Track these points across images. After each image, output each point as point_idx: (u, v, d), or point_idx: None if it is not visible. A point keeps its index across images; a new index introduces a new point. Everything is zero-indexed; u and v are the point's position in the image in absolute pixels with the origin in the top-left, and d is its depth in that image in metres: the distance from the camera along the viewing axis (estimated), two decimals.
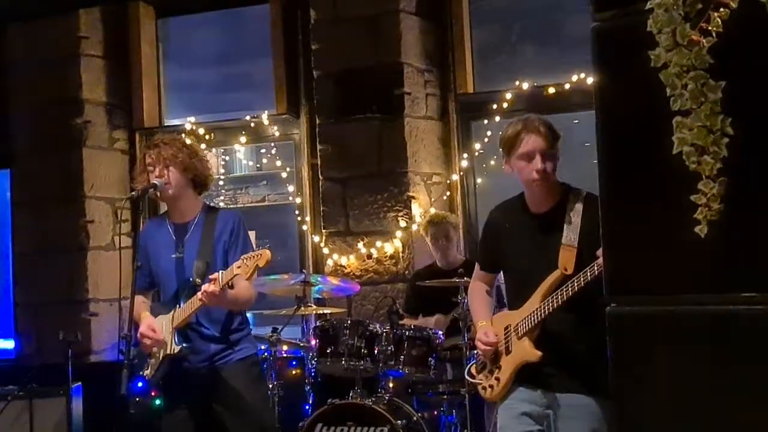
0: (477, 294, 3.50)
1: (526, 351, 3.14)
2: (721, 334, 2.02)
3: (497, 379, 3.24)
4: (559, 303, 3.03)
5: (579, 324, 3.05)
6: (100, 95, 6.54)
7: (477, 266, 3.54)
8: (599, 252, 2.87)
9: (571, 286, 3.00)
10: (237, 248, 3.74)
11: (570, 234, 3.08)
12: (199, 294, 3.52)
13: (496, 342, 3.24)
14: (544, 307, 3.08)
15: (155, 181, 3.71)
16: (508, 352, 3.22)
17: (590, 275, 2.92)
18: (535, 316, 3.10)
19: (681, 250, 2.03)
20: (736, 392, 2.01)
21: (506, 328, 3.24)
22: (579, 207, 3.11)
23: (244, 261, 3.45)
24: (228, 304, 3.67)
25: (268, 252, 3.45)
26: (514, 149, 3.18)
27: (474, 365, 3.44)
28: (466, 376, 3.50)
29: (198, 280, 3.63)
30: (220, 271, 3.51)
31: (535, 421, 3.15)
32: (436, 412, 5.02)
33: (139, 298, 3.75)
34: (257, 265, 3.43)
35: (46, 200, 6.40)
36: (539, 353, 3.10)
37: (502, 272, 3.47)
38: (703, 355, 2.06)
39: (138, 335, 3.64)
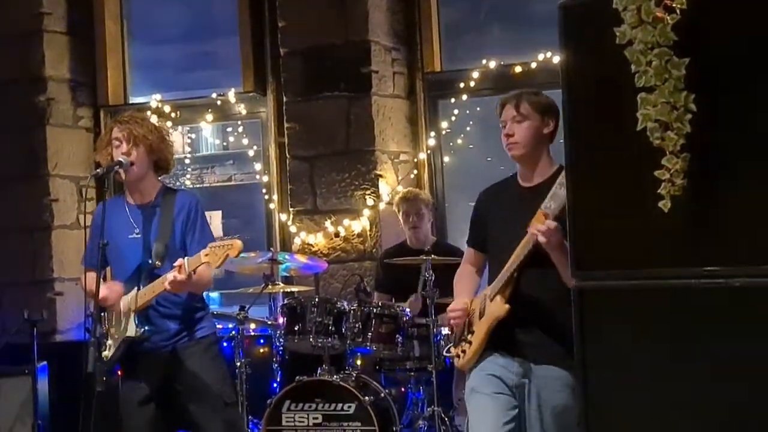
0: (463, 276, 3.48)
1: (496, 307, 3.12)
2: (683, 307, 2.06)
3: (469, 343, 3.23)
4: (525, 256, 3.02)
5: (557, 295, 3.02)
6: (63, 72, 6.43)
7: (467, 247, 3.53)
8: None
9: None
10: (194, 232, 3.73)
11: (550, 202, 3.03)
12: (166, 284, 3.51)
13: (463, 309, 3.25)
14: (512, 263, 3.07)
15: (120, 159, 3.67)
16: (481, 316, 3.21)
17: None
18: (505, 274, 3.10)
19: (644, 225, 2.06)
20: (698, 365, 2.05)
21: (482, 300, 3.25)
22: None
23: (213, 249, 3.44)
24: (190, 289, 3.67)
25: (239, 242, 3.44)
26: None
27: (452, 345, 3.43)
28: (445, 353, 3.50)
29: (158, 263, 3.62)
30: (186, 258, 3.51)
31: (507, 386, 3.14)
32: (403, 389, 5.06)
33: (92, 275, 3.70)
34: (227, 254, 3.42)
35: (9, 179, 6.30)
36: (507, 306, 3.08)
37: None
38: (665, 329, 2.10)
39: (100, 298, 3.59)
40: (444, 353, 3.52)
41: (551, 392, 3.09)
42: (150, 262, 3.66)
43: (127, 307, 3.66)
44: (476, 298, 3.34)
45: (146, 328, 3.65)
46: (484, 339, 3.18)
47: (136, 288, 3.66)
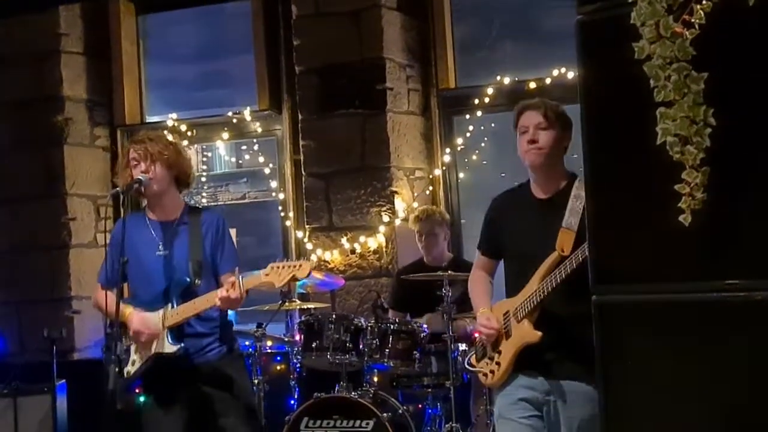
0: (477, 282, 3.48)
1: (525, 332, 3.14)
2: (704, 321, 2.06)
3: (498, 363, 3.24)
4: (556, 283, 3.04)
5: (580, 309, 3.04)
6: (80, 92, 6.51)
7: (478, 253, 3.52)
8: None
9: (568, 266, 3.01)
10: (223, 249, 3.77)
11: (571, 218, 3.08)
12: (217, 300, 3.53)
13: (497, 327, 3.24)
14: (542, 289, 3.08)
15: (140, 177, 3.69)
16: (507, 336, 3.22)
17: (584, 255, 2.93)
18: (534, 298, 3.11)
19: (665, 239, 2.06)
20: (720, 379, 2.04)
21: (505, 314, 3.25)
22: (583, 194, 3.08)
23: (276, 269, 3.47)
24: (237, 306, 3.69)
25: (308, 263, 3.50)
26: (516, 127, 3.26)
27: (474, 355, 3.44)
28: (467, 366, 3.51)
29: (197, 281, 3.66)
30: (240, 277, 3.54)
31: (533, 407, 3.17)
32: (421, 405, 5.04)
33: (110, 294, 3.68)
34: (294, 275, 3.46)
35: (27, 198, 6.36)
36: (539, 333, 3.10)
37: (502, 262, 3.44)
38: (686, 343, 2.09)
39: (132, 331, 3.65)
40: (466, 365, 3.52)
41: (576, 407, 3.10)
42: (188, 279, 3.68)
43: (159, 324, 3.67)
44: (496, 308, 3.33)
45: (182, 344, 3.65)
46: (512, 361, 3.20)
47: (168, 305, 3.67)
